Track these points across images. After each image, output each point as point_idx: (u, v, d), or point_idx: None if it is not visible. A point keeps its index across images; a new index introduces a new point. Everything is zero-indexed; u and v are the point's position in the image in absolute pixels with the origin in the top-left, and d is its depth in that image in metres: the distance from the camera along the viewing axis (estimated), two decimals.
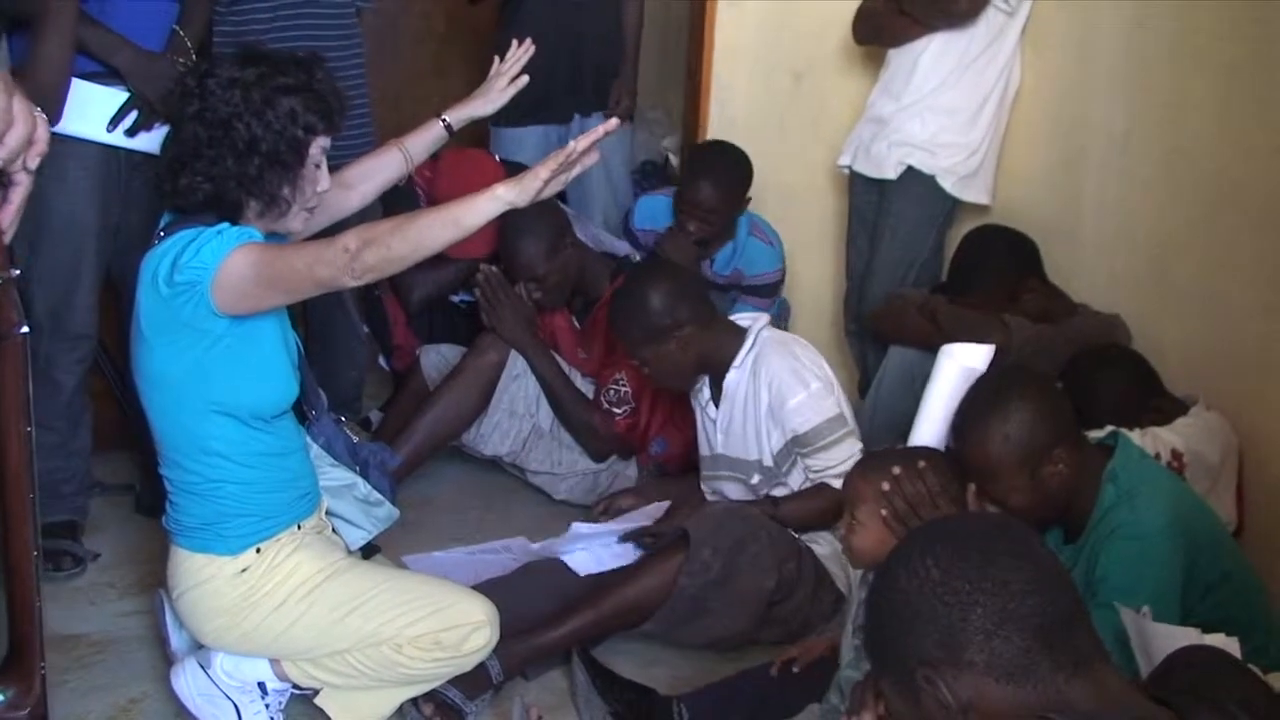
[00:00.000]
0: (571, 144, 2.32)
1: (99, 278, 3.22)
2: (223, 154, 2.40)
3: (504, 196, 2.30)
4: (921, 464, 2.35)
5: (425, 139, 2.86)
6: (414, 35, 5.66)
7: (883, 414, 3.50)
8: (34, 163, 1.41)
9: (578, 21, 4.30)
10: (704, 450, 3.33)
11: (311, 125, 2.46)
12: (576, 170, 2.37)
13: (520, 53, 2.89)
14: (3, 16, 3.02)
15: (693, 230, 3.87)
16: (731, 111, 4.35)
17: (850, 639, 2.41)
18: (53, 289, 3.13)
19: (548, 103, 4.20)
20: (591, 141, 2.32)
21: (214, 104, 2.41)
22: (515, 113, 4.02)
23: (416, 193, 3.93)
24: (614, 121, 2.41)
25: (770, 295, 4.08)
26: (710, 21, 4.35)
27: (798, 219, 4.23)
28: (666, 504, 3.36)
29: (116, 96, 3.11)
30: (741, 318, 3.26)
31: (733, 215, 3.93)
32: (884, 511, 2.31)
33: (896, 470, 2.31)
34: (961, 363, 2.51)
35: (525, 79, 2.89)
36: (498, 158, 4.19)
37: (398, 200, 3.46)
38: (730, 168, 3.93)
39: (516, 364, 3.61)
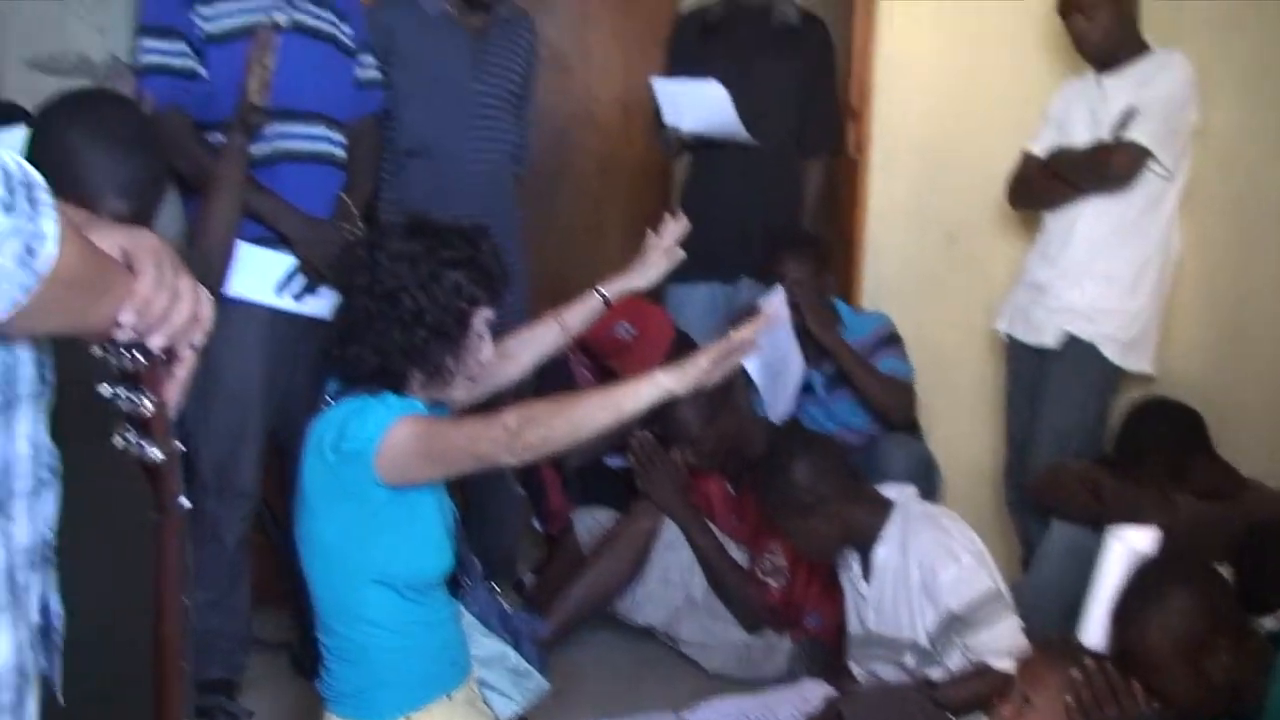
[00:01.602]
0: (732, 334, 2.33)
1: (264, 437, 3.30)
2: (390, 326, 2.45)
3: (664, 383, 2.31)
4: (1109, 664, 2.28)
5: (582, 311, 2.90)
6: (570, 195, 5.78)
7: (1046, 592, 3.39)
8: (199, 340, 1.45)
9: (754, 182, 4.28)
10: (854, 628, 3.25)
11: (475, 297, 2.50)
12: (738, 359, 2.38)
13: (675, 227, 2.93)
14: (178, 181, 3.18)
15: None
16: (885, 273, 4.35)
17: None
18: (219, 448, 3.21)
19: (716, 262, 4.19)
20: (753, 331, 2.33)
21: (382, 276, 2.47)
22: (682, 269, 4.06)
23: (567, 357, 3.97)
24: (776, 305, 2.40)
25: (900, 344, 4.01)
26: (862, 183, 4.38)
27: (954, 383, 4.18)
28: (820, 682, 3.27)
29: (284, 261, 3.22)
30: (888, 489, 3.21)
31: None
32: (1069, 698, 2.22)
33: (1088, 661, 2.24)
34: (1130, 547, 2.44)
35: (681, 253, 2.92)
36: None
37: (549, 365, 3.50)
38: None
39: (670, 531, 3.59)
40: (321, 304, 3.21)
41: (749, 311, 3.71)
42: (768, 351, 3.86)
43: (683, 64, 4.39)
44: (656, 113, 4.25)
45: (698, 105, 4.12)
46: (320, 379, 2.65)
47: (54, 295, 1.17)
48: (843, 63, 4.49)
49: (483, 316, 2.53)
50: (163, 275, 1.34)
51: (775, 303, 3.79)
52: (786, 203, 4.40)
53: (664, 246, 2.93)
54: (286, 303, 3.23)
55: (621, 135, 5.79)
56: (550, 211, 5.58)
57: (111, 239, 1.33)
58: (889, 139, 4.33)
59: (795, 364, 3.89)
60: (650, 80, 4.26)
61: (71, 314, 1.25)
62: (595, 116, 5.96)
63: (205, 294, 1.43)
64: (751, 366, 3.89)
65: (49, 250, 1.15)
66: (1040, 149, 3.89)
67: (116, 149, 2.17)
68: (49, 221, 1.15)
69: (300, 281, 3.22)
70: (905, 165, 4.33)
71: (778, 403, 3.88)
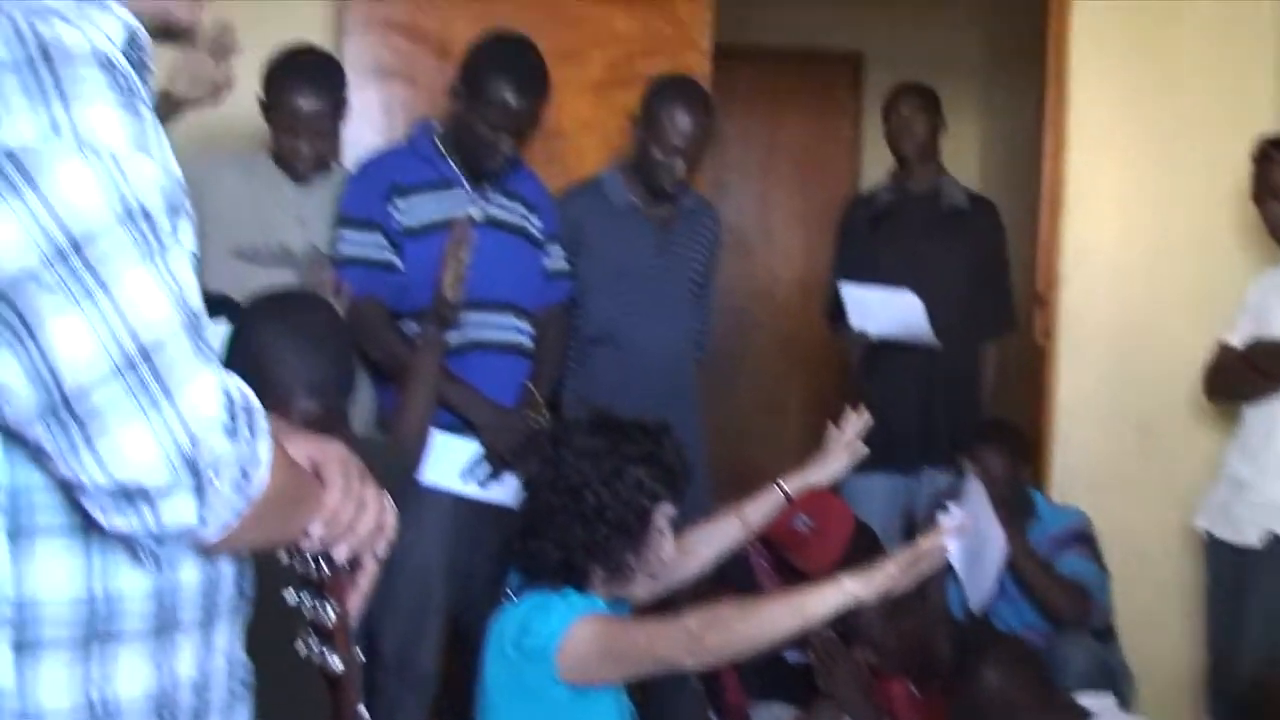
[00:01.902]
0: (920, 542, 2.28)
1: (445, 621, 3.30)
2: (572, 521, 2.47)
3: (851, 590, 2.27)
4: None
5: (762, 506, 2.86)
6: (751, 374, 5.81)
7: None
8: (383, 550, 1.46)
9: (932, 370, 4.21)
10: None
11: (657, 494, 2.51)
12: (927, 566, 2.32)
13: (857, 421, 2.89)
14: (371, 368, 3.26)
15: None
16: (1075, 464, 4.22)
17: None
18: (400, 631, 3.22)
19: (897, 452, 4.09)
20: (942, 539, 2.28)
21: (566, 472, 2.50)
22: (863, 460, 3.99)
23: (747, 549, 3.92)
24: (973, 501, 2.35)
25: (1091, 545, 3.84)
26: (1050, 371, 4.29)
27: (1149, 583, 4.01)
28: None
29: (469, 447, 3.25)
30: (1085, 698, 3.08)
31: None
32: None
33: None
34: None
35: (863, 448, 2.88)
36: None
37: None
38: None
39: None
40: (505, 490, 3.24)
41: (937, 506, 3.63)
42: (969, 538, 3.75)
43: (852, 250, 4.39)
44: (835, 305, 4.23)
45: (889, 313, 4.09)
46: (502, 567, 2.67)
47: (260, 514, 1.21)
48: (1028, 248, 4.45)
49: (664, 513, 2.53)
50: (350, 486, 1.37)
51: (972, 499, 3.67)
52: (965, 389, 4.33)
53: (845, 440, 2.89)
54: (471, 489, 3.26)
55: (801, 314, 5.81)
56: (731, 391, 5.59)
57: (302, 449, 1.36)
58: (1077, 326, 4.25)
59: (997, 547, 3.76)
60: (839, 286, 4.22)
61: (272, 530, 1.28)
62: (775, 297, 6.01)
63: (389, 503, 1.45)
64: (953, 555, 3.77)
65: (261, 475, 1.18)
66: (1237, 339, 3.77)
67: (308, 350, 2.24)
68: (264, 447, 1.19)
69: (485, 468, 3.26)
70: (1094, 353, 4.24)
71: (980, 589, 3.75)
